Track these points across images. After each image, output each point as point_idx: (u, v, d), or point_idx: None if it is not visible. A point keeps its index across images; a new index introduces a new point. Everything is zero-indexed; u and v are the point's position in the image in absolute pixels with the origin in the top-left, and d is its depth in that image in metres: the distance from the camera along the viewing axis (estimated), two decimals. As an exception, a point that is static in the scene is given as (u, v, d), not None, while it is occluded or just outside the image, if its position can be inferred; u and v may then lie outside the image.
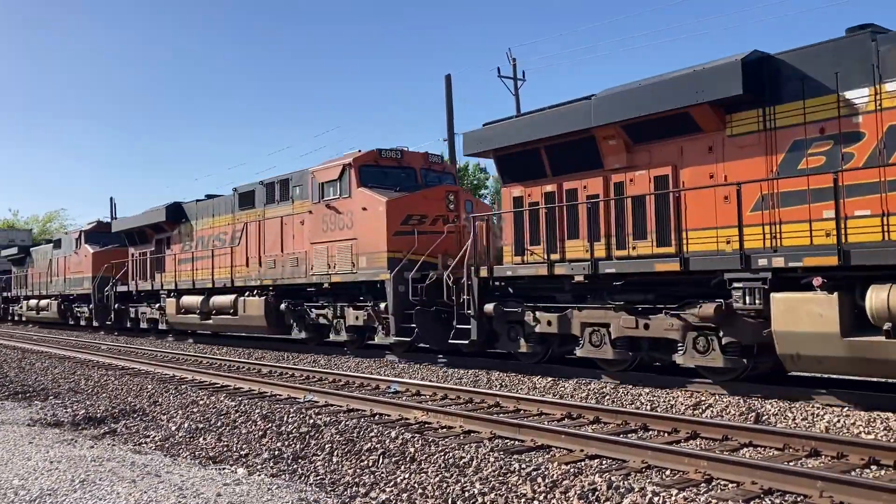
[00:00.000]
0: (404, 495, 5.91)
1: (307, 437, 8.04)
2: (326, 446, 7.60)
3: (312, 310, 17.75)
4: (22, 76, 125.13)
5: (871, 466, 6.43)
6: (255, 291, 19.22)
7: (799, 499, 5.61)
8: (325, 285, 17.00)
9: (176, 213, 23.88)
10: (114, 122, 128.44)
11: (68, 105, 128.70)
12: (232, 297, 19.98)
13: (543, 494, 5.70)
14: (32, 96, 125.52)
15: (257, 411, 9.54)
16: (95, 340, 25.42)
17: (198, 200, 23.29)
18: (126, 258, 27.37)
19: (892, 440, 7.31)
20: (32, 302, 36.13)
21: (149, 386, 12.70)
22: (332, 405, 10.44)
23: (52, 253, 34.26)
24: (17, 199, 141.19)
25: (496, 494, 5.76)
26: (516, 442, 7.82)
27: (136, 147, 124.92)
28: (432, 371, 13.65)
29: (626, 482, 5.86)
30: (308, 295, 18.02)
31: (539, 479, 5.99)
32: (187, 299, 22.28)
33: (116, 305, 27.20)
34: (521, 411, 9.48)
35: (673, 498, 5.50)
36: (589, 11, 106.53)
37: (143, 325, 25.98)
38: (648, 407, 9.46)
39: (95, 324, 29.03)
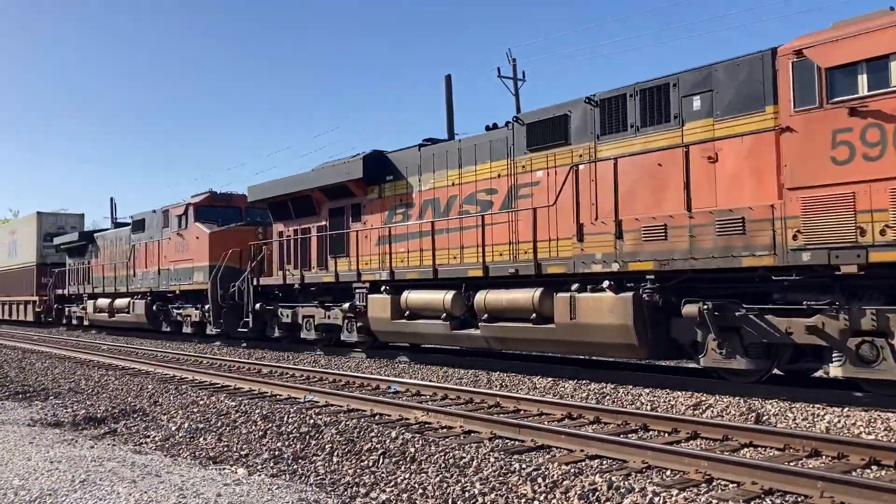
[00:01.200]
0: (404, 495, 5.90)
1: (307, 437, 8.04)
2: (327, 446, 7.59)
3: (774, 318, 9.44)
4: (20, 78, 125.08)
5: (872, 467, 6.43)
6: (608, 283, 11.10)
7: (799, 499, 5.60)
8: None
9: (378, 168, 16.06)
10: (113, 124, 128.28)
11: (69, 106, 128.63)
12: (532, 291, 12.16)
13: (544, 495, 5.70)
14: (32, 98, 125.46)
15: (257, 411, 9.54)
16: (95, 341, 25.39)
17: (421, 146, 15.64)
18: (260, 239, 20.48)
19: (892, 440, 7.31)
20: (102, 302, 27.94)
21: (149, 386, 12.70)
22: (332, 405, 10.44)
23: (131, 238, 26.49)
24: (16, 199, 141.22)
25: (496, 495, 5.75)
26: (516, 442, 7.81)
27: (136, 148, 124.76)
28: (432, 371, 13.64)
29: (626, 482, 5.86)
30: (761, 291, 9.80)
31: (539, 480, 5.99)
32: (420, 297, 14.45)
33: (257, 305, 19.29)
34: (522, 411, 9.47)
35: (673, 498, 5.50)
36: (589, 11, 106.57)
37: (308, 333, 17.74)
38: (649, 407, 9.46)
39: (213, 331, 21.47)
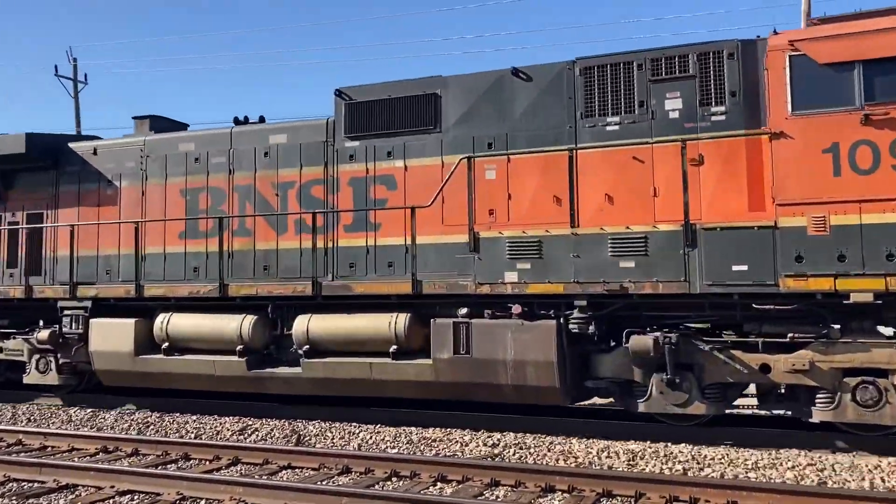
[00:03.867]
0: None
1: None
2: None
3: None
4: None
5: (392, 479, 7.01)
6: None
7: (325, 516, 5.87)
8: None
9: None
10: None
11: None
12: None
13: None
14: None
15: None
16: None
17: None
18: None
19: (411, 453, 8.10)
20: (182, 323, 10.37)
21: None
22: None
23: (370, 151, 9.65)
24: None
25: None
26: (36, 484, 6.95)
27: None
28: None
29: (155, 518, 5.55)
30: None
31: (54, 525, 5.37)
32: None
33: None
34: (50, 448, 8.49)
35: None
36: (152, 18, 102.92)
37: None
38: (193, 435, 9.19)
39: None
